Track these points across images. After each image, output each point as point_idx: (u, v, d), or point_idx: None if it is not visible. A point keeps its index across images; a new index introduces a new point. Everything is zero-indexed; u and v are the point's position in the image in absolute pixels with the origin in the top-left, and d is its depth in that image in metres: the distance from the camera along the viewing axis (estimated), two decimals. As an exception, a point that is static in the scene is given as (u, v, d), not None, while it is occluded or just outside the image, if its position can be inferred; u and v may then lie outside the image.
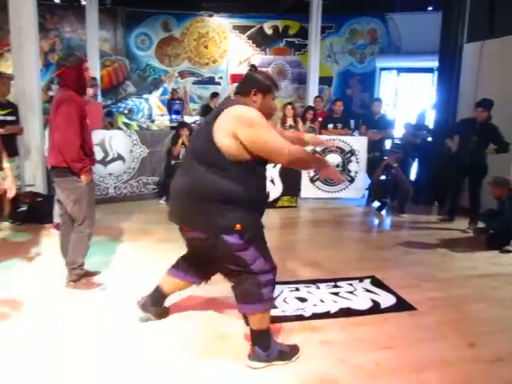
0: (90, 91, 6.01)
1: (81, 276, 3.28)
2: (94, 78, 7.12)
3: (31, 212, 4.98)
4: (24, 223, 4.90)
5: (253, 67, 2.18)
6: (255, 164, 2.27)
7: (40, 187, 5.37)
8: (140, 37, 11.22)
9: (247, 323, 2.46)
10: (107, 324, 2.78)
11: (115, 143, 6.04)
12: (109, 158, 6.03)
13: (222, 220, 2.21)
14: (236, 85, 2.46)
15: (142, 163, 6.28)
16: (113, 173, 6.11)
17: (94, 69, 8.65)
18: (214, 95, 9.09)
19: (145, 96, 11.43)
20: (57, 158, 3.08)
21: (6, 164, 3.15)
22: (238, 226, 2.22)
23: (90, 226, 3.25)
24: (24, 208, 5.01)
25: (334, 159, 6.80)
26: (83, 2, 9.35)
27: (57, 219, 4.11)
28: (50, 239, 4.33)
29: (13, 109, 4.99)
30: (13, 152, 4.92)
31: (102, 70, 10.34)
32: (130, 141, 6.17)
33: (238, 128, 2.16)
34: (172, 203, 2.45)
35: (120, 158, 6.11)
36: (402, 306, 3.21)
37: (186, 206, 2.32)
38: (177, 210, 2.40)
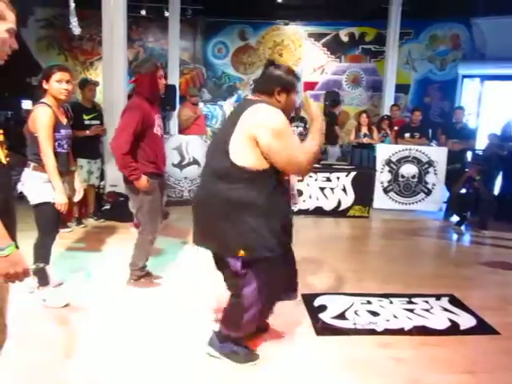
0: (201, 105, 6.45)
1: (141, 276, 3.41)
2: (172, 86, 7.41)
3: (114, 210, 5.30)
4: (107, 220, 5.22)
5: (270, 62, 1.99)
6: (272, 173, 2.12)
7: (122, 187, 5.68)
8: (217, 45, 11.56)
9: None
10: (154, 324, 2.88)
11: (191, 148, 6.27)
12: (185, 162, 6.27)
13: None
14: (254, 81, 2.42)
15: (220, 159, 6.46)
16: (188, 176, 6.34)
17: (173, 77, 9.05)
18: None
19: (219, 103, 11.74)
20: None
21: (73, 168, 3.26)
22: (241, 252, 2.10)
23: (152, 233, 3.32)
24: (107, 207, 5.35)
25: (409, 170, 6.56)
26: (166, 14, 9.81)
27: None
28: (128, 236, 4.57)
29: (97, 113, 5.29)
30: (96, 154, 5.29)
31: (180, 78, 10.79)
32: (205, 146, 6.37)
33: (261, 133, 2.02)
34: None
35: (195, 162, 6.33)
36: (483, 328, 3.01)
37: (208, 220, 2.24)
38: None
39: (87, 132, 4.97)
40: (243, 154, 2.06)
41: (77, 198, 3.20)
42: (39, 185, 2.89)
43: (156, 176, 3.23)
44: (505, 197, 6.37)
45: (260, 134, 2.02)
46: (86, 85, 5.24)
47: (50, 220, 2.96)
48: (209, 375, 2.33)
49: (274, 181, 2.13)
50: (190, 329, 2.80)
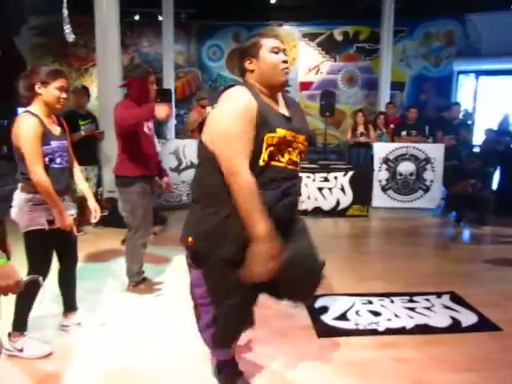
0: (208, 108, 6.36)
1: (139, 282, 3.40)
2: (168, 90, 7.42)
3: (112, 216, 5.29)
4: (105, 227, 5.21)
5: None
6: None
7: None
8: (212, 48, 11.56)
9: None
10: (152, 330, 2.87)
11: (188, 152, 6.26)
12: (182, 166, 6.27)
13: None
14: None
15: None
16: (186, 180, 6.32)
17: (169, 81, 9.05)
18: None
19: (216, 105, 11.73)
20: (115, 167, 3.30)
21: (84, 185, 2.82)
22: (189, 239, 1.83)
23: (143, 237, 3.31)
24: (106, 213, 5.34)
25: (407, 168, 6.56)
26: (160, 18, 9.81)
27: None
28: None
29: (92, 119, 5.24)
30: (93, 160, 5.27)
31: (176, 82, 10.78)
32: (202, 150, 6.36)
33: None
34: None
35: (193, 165, 6.32)
36: (484, 325, 3.00)
37: None
38: None
39: (82, 133, 4.91)
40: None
41: (93, 219, 2.73)
42: (28, 208, 2.42)
43: (146, 179, 3.25)
44: (503, 192, 6.37)
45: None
46: (79, 92, 5.25)
47: (40, 253, 2.47)
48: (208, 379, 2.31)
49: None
50: (191, 337, 2.79)
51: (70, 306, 2.83)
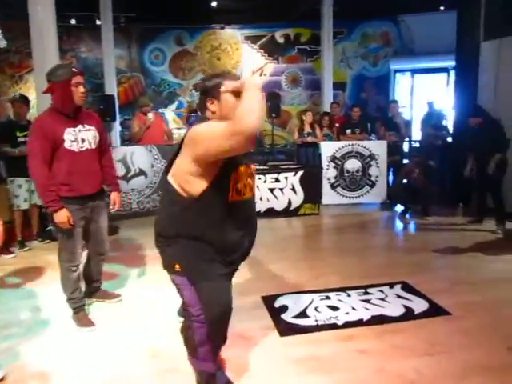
0: (149, 115, 6.13)
1: (77, 309, 3.03)
2: (110, 96, 7.23)
3: (58, 230, 5.06)
4: (52, 241, 4.97)
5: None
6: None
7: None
8: (154, 52, 11.37)
9: None
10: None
11: (136, 159, 6.12)
12: (131, 174, 6.11)
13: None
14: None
15: (163, 177, 6.33)
16: (135, 188, 6.17)
17: (111, 86, 8.81)
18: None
19: (160, 110, 11.54)
20: None
21: None
22: (177, 267, 1.93)
23: (69, 261, 2.94)
24: (51, 227, 5.10)
25: (353, 165, 6.77)
26: (98, 23, 9.52)
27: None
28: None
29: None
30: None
31: (118, 87, 10.51)
32: (150, 156, 6.23)
33: (189, 149, 1.81)
34: None
35: (142, 173, 6.18)
36: (435, 311, 3.16)
37: None
38: None
39: (16, 151, 4.69)
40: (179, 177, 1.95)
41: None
42: None
43: (72, 200, 2.83)
44: (444, 183, 6.73)
45: (188, 149, 1.83)
46: (14, 102, 5.01)
47: None
48: None
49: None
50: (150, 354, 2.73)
51: None
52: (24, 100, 5.13)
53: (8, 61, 10.34)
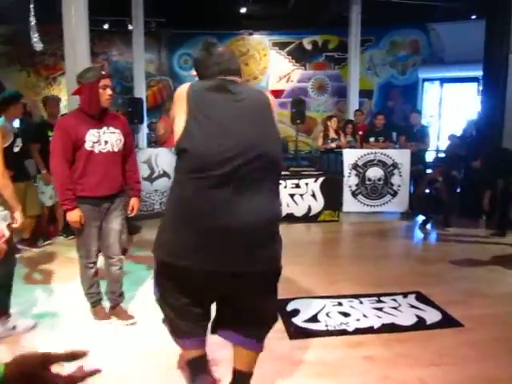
0: None
1: (94, 304, 3.15)
2: (139, 99, 7.44)
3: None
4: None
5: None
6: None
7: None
8: (183, 57, 11.60)
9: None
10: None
11: (161, 160, 6.28)
12: (155, 175, 6.27)
13: None
14: (223, 61, 1.91)
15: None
16: (158, 189, 6.33)
17: (140, 90, 9.04)
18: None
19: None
20: None
21: None
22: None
23: (85, 257, 3.02)
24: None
25: (375, 173, 6.75)
26: (130, 27, 9.79)
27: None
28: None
29: None
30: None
31: (147, 91, 10.77)
32: (174, 158, 6.37)
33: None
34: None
35: (165, 174, 6.33)
36: (448, 322, 3.14)
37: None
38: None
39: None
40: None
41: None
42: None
43: (86, 200, 2.88)
44: (466, 194, 6.62)
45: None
46: (47, 101, 5.22)
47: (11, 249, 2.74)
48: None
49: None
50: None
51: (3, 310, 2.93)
52: (56, 100, 5.35)
53: (43, 63, 10.76)
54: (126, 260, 3.47)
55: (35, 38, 6.00)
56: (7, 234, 2.38)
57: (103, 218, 3.01)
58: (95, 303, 3.16)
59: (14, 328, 2.91)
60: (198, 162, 1.72)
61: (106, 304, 3.23)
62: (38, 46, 5.83)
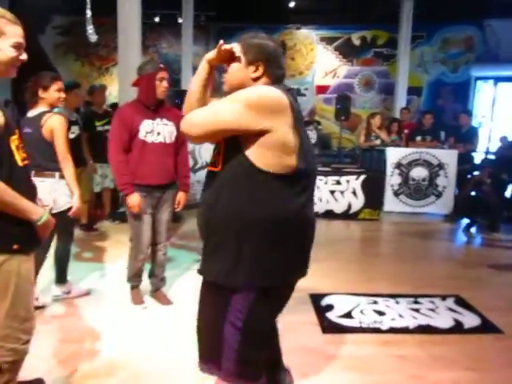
0: None
1: (133, 287, 3.28)
2: (186, 91, 7.62)
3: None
4: (122, 222, 5.37)
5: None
6: None
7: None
8: (230, 50, 11.71)
9: None
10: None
11: (204, 152, 6.41)
12: (198, 166, 6.42)
13: None
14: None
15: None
16: (200, 180, 6.46)
17: (187, 82, 9.24)
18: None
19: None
20: None
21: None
22: None
23: (135, 248, 3.15)
24: (123, 209, 5.50)
25: (419, 173, 6.60)
26: (179, 20, 10.00)
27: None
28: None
29: (109, 118, 5.24)
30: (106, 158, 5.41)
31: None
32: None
33: None
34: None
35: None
36: (487, 327, 3.06)
37: None
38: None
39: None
40: None
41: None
42: (66, 191, 2.98)
43: (140, 187, 2.98)
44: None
45: None
46: (95, 91, 5.42)
47: (73, 223, 3.18)
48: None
49: None
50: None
51: (60, 278, 3.30)
52: (103, 89, 5.56)
53: (97, 53, 11.18)
54: (169, 247, 3.59)
55: (90, 29, 6.24)
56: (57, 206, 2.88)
57: (154, 207, 3.11)
58: (134, 286, 3.30)
59: (69, 292, 3.30)
60: (308, 178, 1.65)
61: (148, 288, 3.37)
62: (93, 37, 6.06)
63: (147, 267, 3.33)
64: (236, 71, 1.68)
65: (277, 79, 1.68)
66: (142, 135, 2.96)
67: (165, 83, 2.96)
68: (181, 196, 3.23)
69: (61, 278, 3.30)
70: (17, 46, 1.58)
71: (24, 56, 1.62)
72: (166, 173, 3.08)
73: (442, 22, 10.88)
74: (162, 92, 2.96)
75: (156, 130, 2.99)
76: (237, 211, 1.57)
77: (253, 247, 1.57)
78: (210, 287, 1.66)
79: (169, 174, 3.10)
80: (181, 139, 3.12)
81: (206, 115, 1.57)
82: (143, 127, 2.95)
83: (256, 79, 1.66)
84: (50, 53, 10.87)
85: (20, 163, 1.64)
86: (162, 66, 3.01)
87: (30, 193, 1.70)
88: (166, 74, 2.98)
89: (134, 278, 3.27)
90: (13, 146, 1.61)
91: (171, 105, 6.25)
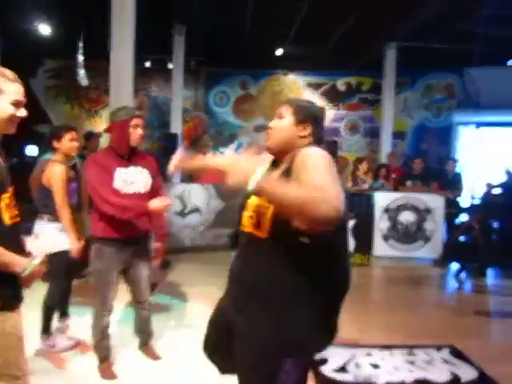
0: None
1: (103, 359, 2.93)
2: (175, 134, 7.64)
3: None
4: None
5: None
6: None
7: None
8: (219, 94, 11.95)
9: None
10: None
11: (194, 196, 6.39)
12: (187, 210, 6.37)
13: None
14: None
15: (218, 215, 6.54)
16: (189, 225, 6.41)
17: (176, 125, 9.34)
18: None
19: (221, 149, 11.99)
20: None
21: None
22: None
23: (100, 304, 2.85)
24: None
25: (407, 217, 6.64)
26: (170, 66, 10.22)
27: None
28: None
29: None
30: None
31: (183, 126, 11.08)
32: (207, 194, 6.49)
33: None
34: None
35: (197, 210, 6.43)
36: (484, 381, 3.00)
37: None
38: None
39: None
40: None
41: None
42: (55, 235, 3.00)
43: (110, 241, 2.75)
44: (503, 244, 6.40)
45: None
46: (91, 138, 5.49)
47: (65, 267, 3.05)
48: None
49: None
50: None
51: (44, 327, 3.18)
52: (99, 136, 5.61)
53: (87, 96, 11.28)
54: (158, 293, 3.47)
55: (81, 74, 6.31)
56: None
57: (129, 262, 2.87)
58: (104, 358, 2.91)
59: (53, 346, 3.18)
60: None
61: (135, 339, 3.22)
62: (84, 81, 6.12)
63: (131, 324, 3.17)
64: (285, 128, 1.72)
65: (319, 139, 1.75)
66: (116, 184, 2.74)
67: (139, 130, 2.79)
68: (157, 247, 3.05)
69: (45, 327, 3.15)
70: (16, 104, 1.60)
71: (23, 113, 1.62)
72: (142, 224, 2.82)
73: (424, 69, 11.31)
74: (135, 139, 2.78)
75: (129, 179, 2.78)
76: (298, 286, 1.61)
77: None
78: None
79: (144, 225, 2.85)
80: (156, 187, 2.94)
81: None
82: (117, 175, 2.74)
83: (302, 137, 1.71)
84: (40, 96, 10.93)
85: (8, 222, 1.61)
86: (137, 113, 2.88)
87: (17, 250, 1.65)
88: (141, 120, 2.82)
89: (103, 347, 2.90)
90: (2, 205, 1.59)
91: (158, 147, 6.26)
